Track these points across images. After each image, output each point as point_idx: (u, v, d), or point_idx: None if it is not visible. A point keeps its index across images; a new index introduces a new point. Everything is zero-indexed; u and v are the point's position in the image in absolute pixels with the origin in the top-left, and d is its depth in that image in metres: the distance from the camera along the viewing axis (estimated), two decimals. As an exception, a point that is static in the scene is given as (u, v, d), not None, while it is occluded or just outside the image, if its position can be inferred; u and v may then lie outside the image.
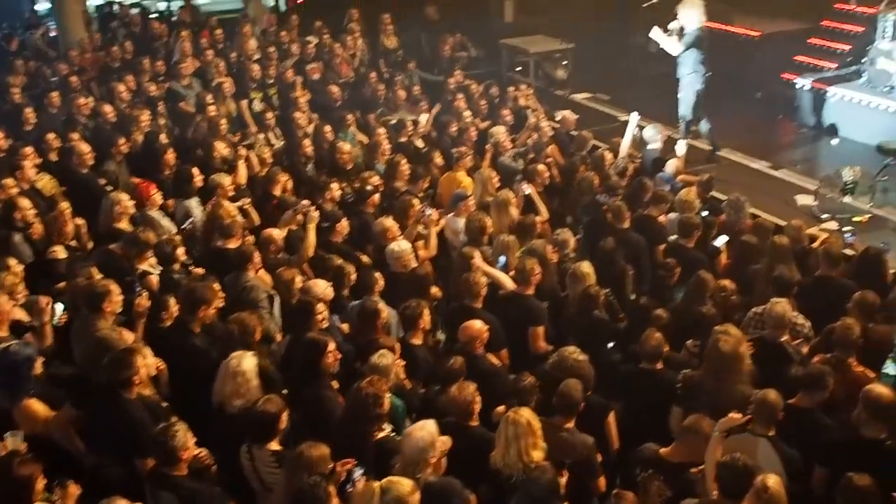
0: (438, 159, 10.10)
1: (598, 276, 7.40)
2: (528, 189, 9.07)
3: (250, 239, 8.12)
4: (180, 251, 7.67)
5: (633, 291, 7.98)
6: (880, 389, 5.53)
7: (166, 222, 8.60)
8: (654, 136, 10.71)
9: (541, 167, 9.61)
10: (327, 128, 10.94)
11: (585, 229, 8.96)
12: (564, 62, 15.39)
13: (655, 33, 11.65)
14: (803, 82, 13.42)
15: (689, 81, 11.60)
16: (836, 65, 13.87)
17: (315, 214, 8.09)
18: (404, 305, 6.76)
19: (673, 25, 11.53)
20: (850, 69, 13.48)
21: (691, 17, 11.39)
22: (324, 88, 12.48)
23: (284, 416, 5.48)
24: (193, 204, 8.87)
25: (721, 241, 8.16)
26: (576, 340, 6.52)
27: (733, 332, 6.21)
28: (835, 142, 12.76)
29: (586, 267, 7.36)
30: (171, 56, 13.55)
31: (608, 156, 10.22)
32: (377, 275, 7.34)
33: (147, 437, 5.29)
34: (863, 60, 12.97)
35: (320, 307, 6.70)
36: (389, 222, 8.20)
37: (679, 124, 11.92)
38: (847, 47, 13.97)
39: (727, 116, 13.26)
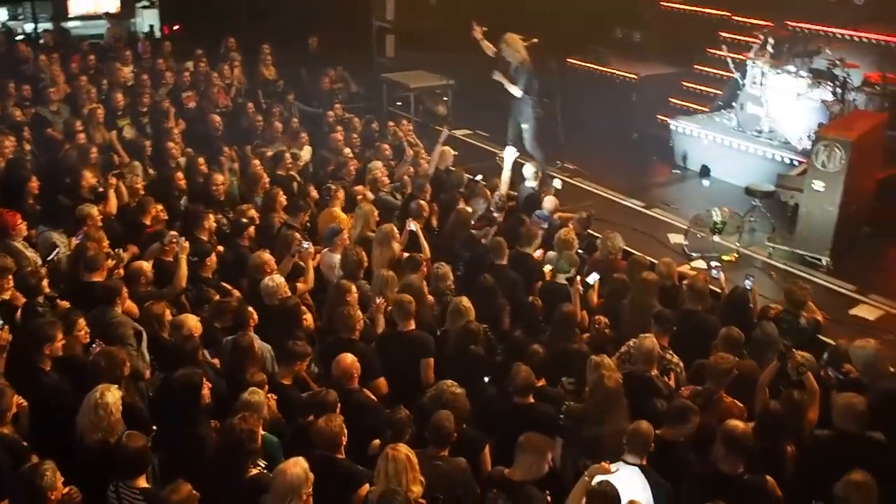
0: (314, 193, 9.97)
1: (477, 311, 7.38)
2: (413, 226, 9.01)
3: (119, 272, 7.79)
4: (45, 283, 7.32)
5: (509, 327, 7.98)
6: (735, 423, 5.64)
7: (31, 253, 8.16)
8: (531, 174, 10.87)
9: (423, 203, 9.58)
10: (201, 159, 10.67)
11: (466, 265, 8.95)
12: (445, 98, 15.53)
13: (498, 76, 11.89)
14: (677, 124, 13.85)
15: (530, 114, 11.92)
16: (709, 108, 14.42)
17: (186, 245, 7.85)
18: (292, 342, 6.62)
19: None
20: (722, 112, 14.01)
21: (513, 55, 11.71)
22: (200, 117, 12.20)
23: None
24: (56, 235, 8.49)
25: (593, 277, 8.27)
26: (453, 375, 6.46)
27: (607, 363, 6.29)
28: (706, 183, 13.20)
29: (466, 302, 7.35)
30: (37, 80, 13.01)
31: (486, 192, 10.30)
32: (250, 309, 7.15)
33: (6, 478, 5.04)
34: (733, 104, 13.49)
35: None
36: (266, 256, 8.03)
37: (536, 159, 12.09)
38: (719, 91, 14.55)
39: (605, 156, 13.61)
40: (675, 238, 10.85)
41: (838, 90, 12.14)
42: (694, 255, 10.31)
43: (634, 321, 7.51)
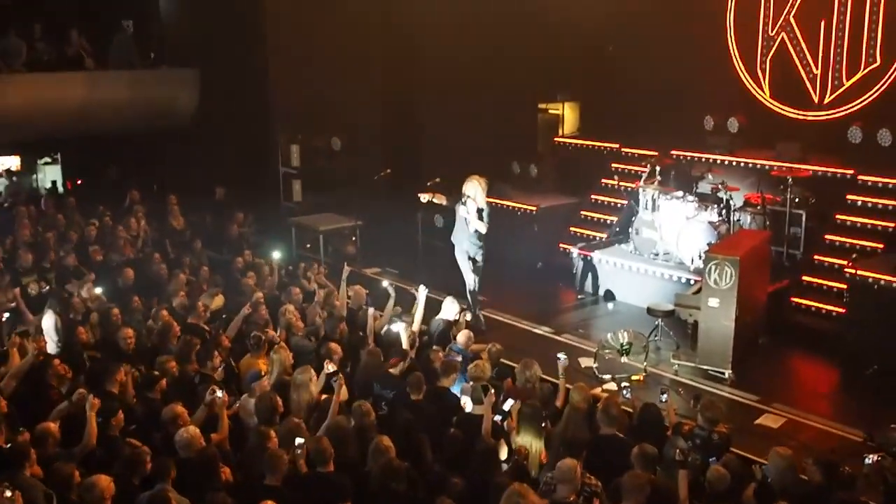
0: (226, 341, 9.94)
1: (398, 448, 7.42)
2: (331, 368, 9.03)
3: (26, 436, 7.56)
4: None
5: (431, 462, 8.01)
6: None
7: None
8: (450, 308, 11.04)
9: (334, 346, 9.63)
10: (115, 310, 10.60)
11: (388, 403, 8.99)
12: (353, 238, 15.83)
13: (463, 211, 12.09)
14: (578, 251, 14.37)
15: (478, 253, 12.20)
16: (607, 234, 15.03)
17: (96, 402, 7.71)
18: (211, 494, 6.54)
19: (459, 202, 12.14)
20: (620, 238, 14.62)
21: (480, 194, 12.05)
22: (107, 271, 12.16)
23: None
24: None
25: (509, 404, 8.41)
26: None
27: (524, 490, 6.35)
28: (611, 306, 13.63)
29: (387, 441, 7.39)
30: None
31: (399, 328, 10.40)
32: (169, 461, 7.04)
33: None
34: (629, 230, 14.11)
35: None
36: (179, 408, 7.92)
37: (468, 297, 12.35)
38: (614, 218, 15.21)
39: (512, 286, 13.98)
40: (586, 362, 11.11)
41: (723, 211, 12.87)
42: (605, 377, 10.56)
43: (559, 449, 7.58)
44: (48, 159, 18.90)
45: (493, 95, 17.14)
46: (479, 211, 12.05)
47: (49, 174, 18.77)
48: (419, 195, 12.48)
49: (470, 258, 12.26)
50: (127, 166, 17.37)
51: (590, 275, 14.07)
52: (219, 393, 8.17)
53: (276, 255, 12.74)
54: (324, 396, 8.68)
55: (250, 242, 14.65)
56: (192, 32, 18.65)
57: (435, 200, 12.45)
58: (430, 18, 17.61)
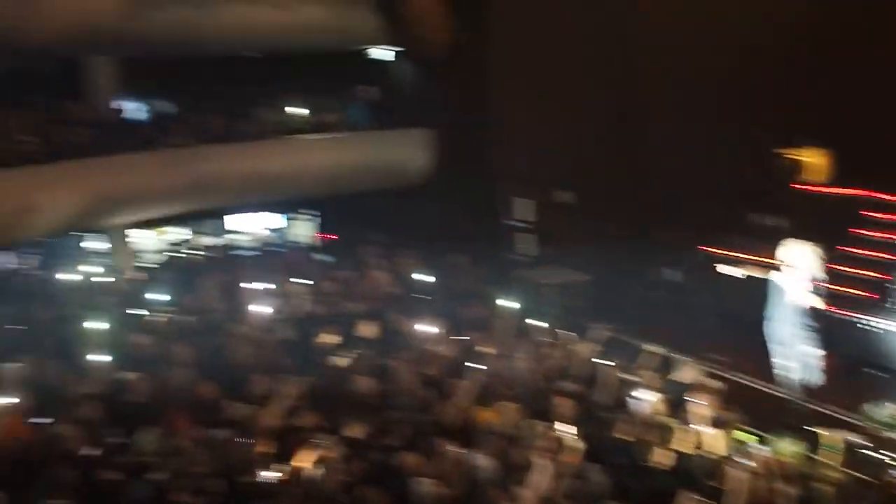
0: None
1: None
2: None
3: None
4: None
5: None
6: None
7: None
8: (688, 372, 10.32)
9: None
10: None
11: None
12: (578, 293, 15.43)
13: (784, 284, 10.32)
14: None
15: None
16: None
17: None
18: None
19: None
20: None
21: (813, 261, 10.19)
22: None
23: None
24: None
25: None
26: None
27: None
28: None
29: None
30: None
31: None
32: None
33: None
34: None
35: None
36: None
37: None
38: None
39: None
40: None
41: None
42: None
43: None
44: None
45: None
46: (811, 281, 9.89)
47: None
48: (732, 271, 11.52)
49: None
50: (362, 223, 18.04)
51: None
52: None
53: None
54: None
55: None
56: (420, 94, 19.30)
57: (754, 274, 10.90)
58: (665, 61, 16.74)
